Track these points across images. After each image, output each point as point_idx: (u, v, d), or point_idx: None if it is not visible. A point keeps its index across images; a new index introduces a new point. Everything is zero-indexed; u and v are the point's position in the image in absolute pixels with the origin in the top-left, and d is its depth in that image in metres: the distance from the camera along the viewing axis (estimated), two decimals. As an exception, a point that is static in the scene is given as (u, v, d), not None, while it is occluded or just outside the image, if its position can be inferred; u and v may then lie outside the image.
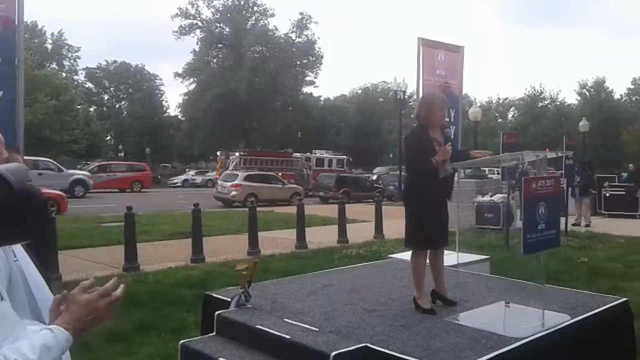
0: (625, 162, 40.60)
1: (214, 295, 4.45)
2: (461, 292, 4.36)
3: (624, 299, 4.38)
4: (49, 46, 51.20)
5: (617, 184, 18.23)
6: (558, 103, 64.80)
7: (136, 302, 6.17)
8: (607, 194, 17.20)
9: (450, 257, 4.95)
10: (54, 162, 25.83)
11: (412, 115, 4.56)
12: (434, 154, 4.08)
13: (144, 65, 59.87)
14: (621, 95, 64.59)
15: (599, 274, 7.77)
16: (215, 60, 53.93)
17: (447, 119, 9.49)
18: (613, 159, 49.87)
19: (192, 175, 42.71)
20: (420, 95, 7.66)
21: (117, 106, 60.09)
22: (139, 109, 55.52)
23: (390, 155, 54.67)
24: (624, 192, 16.91)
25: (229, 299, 4.10)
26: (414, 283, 4.22)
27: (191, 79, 53.08)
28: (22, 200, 0.59)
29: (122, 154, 50.21)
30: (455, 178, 4.43)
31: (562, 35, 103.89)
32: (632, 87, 65.48)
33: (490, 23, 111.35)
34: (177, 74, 53.21)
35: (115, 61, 58.75)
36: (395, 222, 12.80)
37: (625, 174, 20.44)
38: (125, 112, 59.14)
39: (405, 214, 4.33)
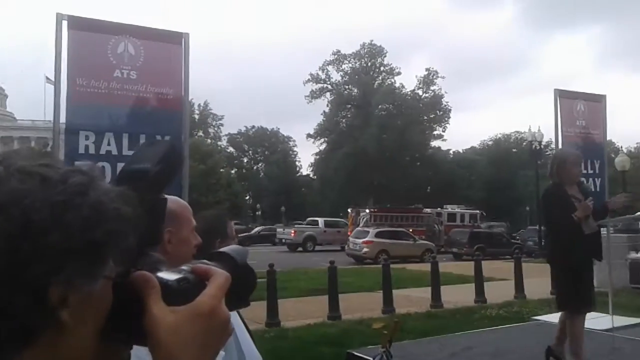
0: None
1: (356, 353, 4.57)
2: (618, 359, 4.06)
3: None
4: (197, 116, 56.64)
5: None
6: None
7: (279, 358, 6.45)
8: None
9: (603, 320, 4.64)
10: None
11: (548, 175, 4.47)
12: (574, 210, 3.96)
13: (278, 129, 63.76)
14: None
15: None
16: (344, 121, 55.93)
17: (591, 171, 8.96)
18: None
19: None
20: (560, 147, 7.40)
21: (255, 168, 64.18)
22: (274, 169, 58.80)
23: (527, 208, 51.73)
24: None
25: (371, 358, 4.20)
26: (572, 350, 4.01)
27: (322, 139, 55.42)
28: (243, 274, 0.79)
29: (260, 212, 53.02)
30: (604, 234, 4.24)
31: None
32: None
33: (632, 64, 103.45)
34: (309, 135, 55.98)
35: (253, 126, 63.30)
36: (537, 281, 12.06)
37: None
38: (262, 173, 62.89)
39: (556, 275, 4.19)
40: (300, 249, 29.53)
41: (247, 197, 60.93)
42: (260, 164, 64.32)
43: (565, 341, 4.15)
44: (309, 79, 54.89)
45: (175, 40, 5.01)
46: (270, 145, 62.71)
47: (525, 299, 10.87)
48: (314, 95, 55.06)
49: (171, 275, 0.65)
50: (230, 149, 62.31)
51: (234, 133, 62.00)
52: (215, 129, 59.48)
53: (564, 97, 8.41)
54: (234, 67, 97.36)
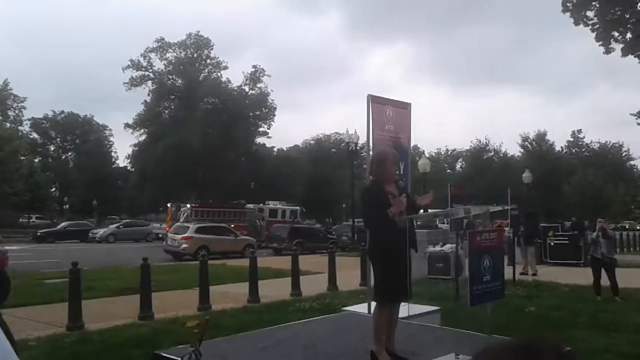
0: (568, 212, 42.38)
1: (163, 354, 4.33)
2: (412, 344, 4.41)
3: (568, 349, 4.51)
4: (-6, 96, 49.88)
5: (560, 233, 18.91)
6: (501, 155, 67.57)
7: (80, 363, 5.90)
8: (552, 243, 17.79)
9: (401, 309, 5.00)
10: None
11: (367, 173, 4.70)
12: (389, 206, 4.18)
13: (92, 116, 59.06)
14: (562, 147, 68.12)
15: (546, 322, 7.96)
16: (166, 112, 53.82)
17: (397, 172, 9.73)
18: (556, 208, 51.98)
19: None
20: (371, 148, 7.87)
21: (63, 157, 58.63)
22: (86, 160, 54.29)
23: (344, 205, 55.12)
24: (567, 242, 17.53)
25: (179, 358, 4.00)
26: (375, 337, 4.21)
27: (142, 130, 52.68)
28: None
29: (68, 206, 48.57)
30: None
31: (504, 91, 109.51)
32: (572, 139, 69.27)
33: (437, 78, 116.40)
34: (127, 125, 52.73)
35: (62, 111, 57.71)
36: (349, 274, 12.83)
37: (568, 223, 21.27)
38: (71, 163, 57.70)
39: (373, 268, 4.39)
40: None
41: (53, 189, 55.41)
42: (69, 153, 58.88)
43: (394, 333, 4.34)
44: (128, 65, 51.72)
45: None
46: (82, 134, 57.69)
47: (337, 291, 11.47)
48: (134, 82, 52.06)
49: None
50: (34, 135, 56.01)
51: (39, 118, 55.85)
52: (17, 111, 52.93)
53: (376, 103, 8.97)
54: (42, 47, 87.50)
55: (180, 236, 22.52)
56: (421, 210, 5.01)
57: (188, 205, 30.06)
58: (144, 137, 52.48)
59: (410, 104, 9.38)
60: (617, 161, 66.73)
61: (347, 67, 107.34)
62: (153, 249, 24.14)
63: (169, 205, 32.06)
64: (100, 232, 35.01)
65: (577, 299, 10.21)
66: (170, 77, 53.33)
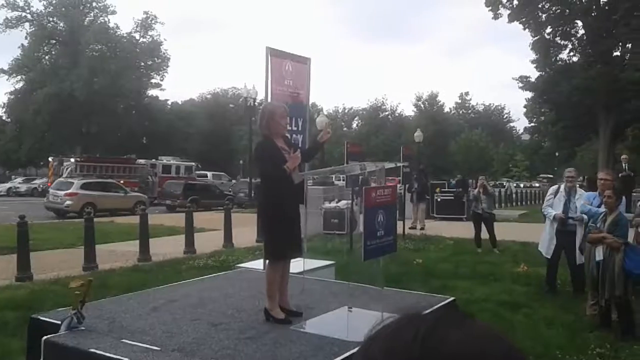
0: (454, 170, 44.98)
1: (42, 318, 4.02)
2: (307, 299, 4.43)
3: (452, 298, 4.79)
4: None
5: (447, 190, 20.05)
6: (397, 114, 69.96)
7: (-55, 330, 5.36)
8: (439, 199, 18.84)
9: (296, 264, 5.01)
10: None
11: (257, 126, 4.54)
12: (284, 162, 4.11)
13: (-40, 59, 52.92)
14: (450, 108, 71.83)
15: (432, 274, 8.42)
16: (47, 57, 49.44)
17: (295, 128, 9.60)
18: (443, 166, 55.08)
19: (18, 183, 38.32)
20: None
21: None
22: (-48, 108, 48.84)
23: (241, 162, 54.49)
24: (452, 198, 18.64)
25: (59, 322, 3.73)
26: (268, 294, 4.18)
27: (19, 77, 48.15)
28: None
29: None
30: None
31: (401, 51, 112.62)
32: (459, 101, 73.25)
33: (337, 36, 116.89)
34: (2, 71, 47.86)
35: None
36: (245, 230, 12.75)
37: (453, 181, 22.54)
38: None
39: (263, 225, 4.29)
40: None
41: None
42: None
43: (286, 289, 4.31)
44: (2, 4, 46.53)
45: None
46: (-53, 79, 51.62)
47: (233, 248, 11.35)
48: (9, 24, 47.03)
49: None
50: None
51: None
52: None
53: (275, 56, 8.71)
54: None
55: (64, 192, 21.12)
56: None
57: (72, 160, 28.17)
58: (21, 84, 48.09)
59: (310, 59, 9.22)
60: (499, 123, 71.68)
61: (246, 17, 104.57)
62: (32, 205, 22.45)
63: (50, 159, 29.81)
64: (2, 187, 30.62)
65: (460, 251, 10.91)
66: (51, 19, 48.78)
